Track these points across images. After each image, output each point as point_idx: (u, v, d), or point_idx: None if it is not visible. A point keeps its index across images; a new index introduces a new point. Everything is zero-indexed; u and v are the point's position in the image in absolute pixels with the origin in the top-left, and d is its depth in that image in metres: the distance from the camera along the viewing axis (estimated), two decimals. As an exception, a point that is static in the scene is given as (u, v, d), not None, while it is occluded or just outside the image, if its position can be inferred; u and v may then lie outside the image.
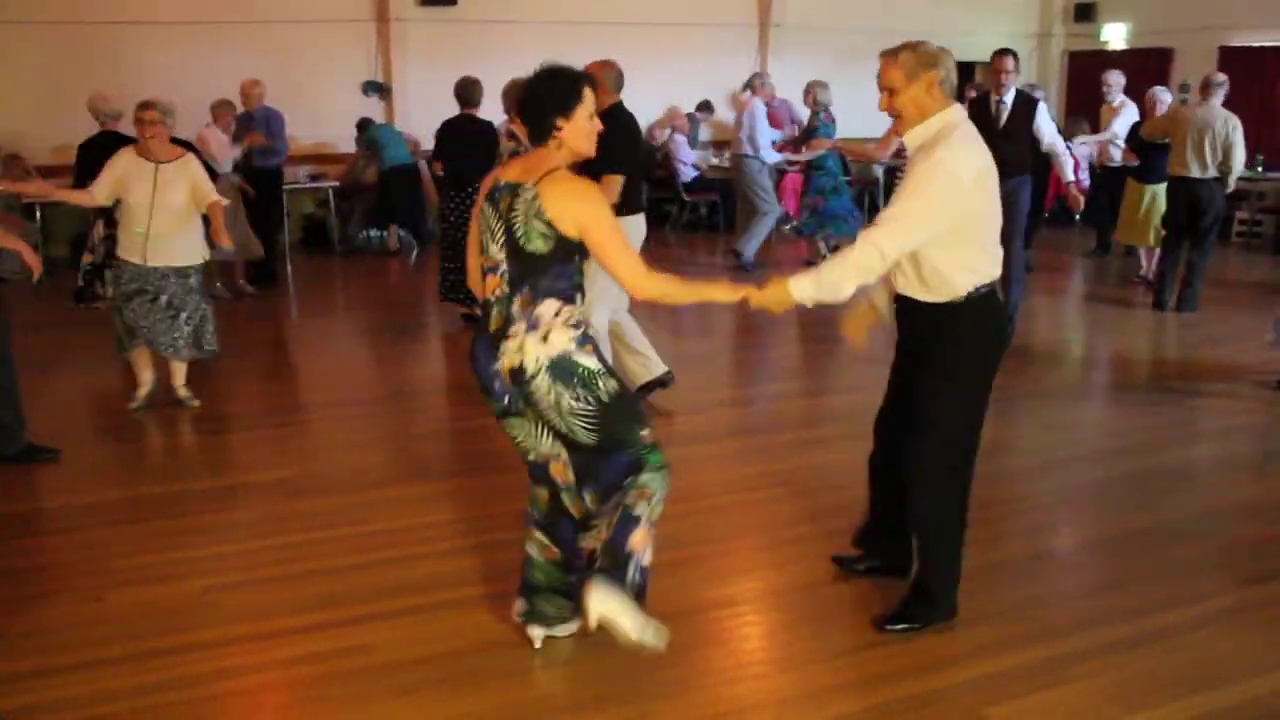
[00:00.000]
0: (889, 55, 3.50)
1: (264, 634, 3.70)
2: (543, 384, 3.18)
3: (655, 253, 10.68)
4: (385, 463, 5.44)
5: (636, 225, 5.82)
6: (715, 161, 13.14)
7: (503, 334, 3.23)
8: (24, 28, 10.61)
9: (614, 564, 3.25)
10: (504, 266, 3.24)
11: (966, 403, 3.62)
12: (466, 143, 7.94)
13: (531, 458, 3.42)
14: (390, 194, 11.17)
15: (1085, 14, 15.20)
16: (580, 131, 3.24)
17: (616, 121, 5.37)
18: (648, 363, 6.09)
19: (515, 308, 3.21)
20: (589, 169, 5.13)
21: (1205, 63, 13.49)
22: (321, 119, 11.71)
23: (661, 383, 6.13)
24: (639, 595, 3.29)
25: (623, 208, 5.52)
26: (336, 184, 11.77)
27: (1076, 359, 7.71)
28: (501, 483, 5.15)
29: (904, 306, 3.63)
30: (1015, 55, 7.38)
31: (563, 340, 3.18)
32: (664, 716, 3.23)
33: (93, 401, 6.68)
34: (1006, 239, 7.22)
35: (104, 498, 4.98)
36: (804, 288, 3.41)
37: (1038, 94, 8.34)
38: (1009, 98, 7.22)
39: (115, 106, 7.42)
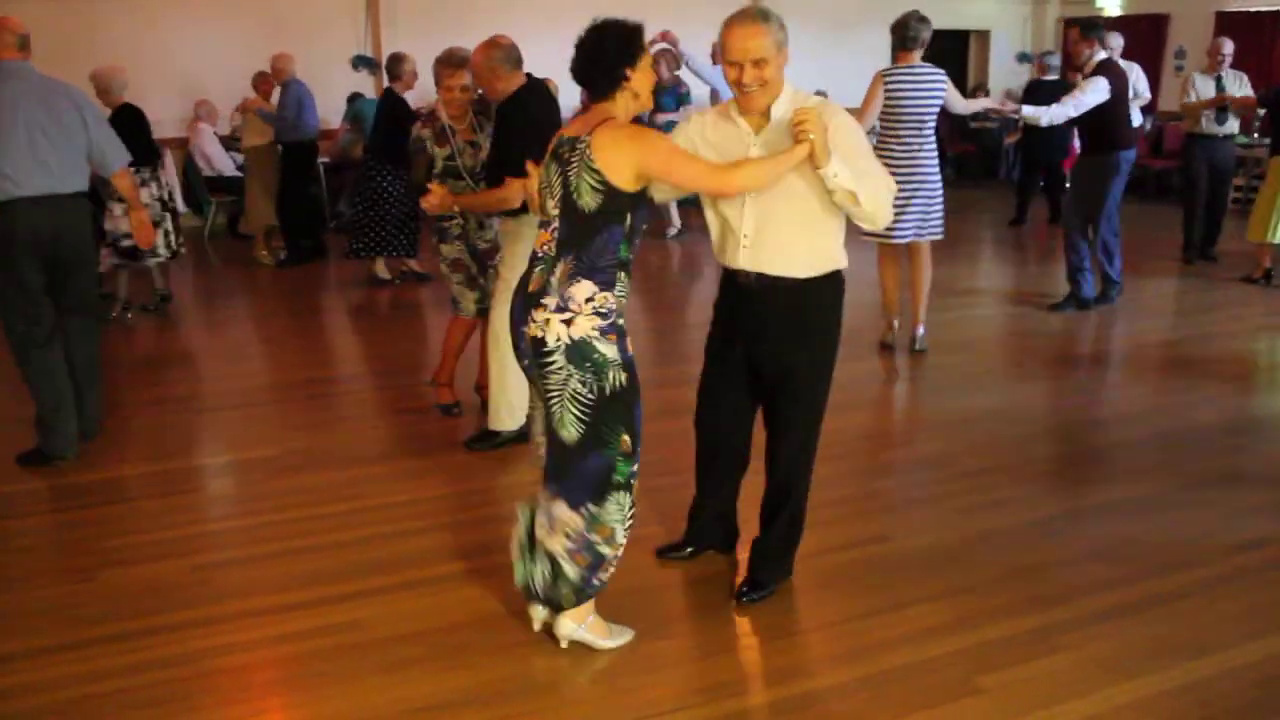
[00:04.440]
0: (755, 23, 3.31)
1: (254, 611, 3.68)
2: (558, 361, 3.17)
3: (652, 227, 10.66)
4: (374, 439, 5.42)
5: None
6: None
7: (537, 300, 3.21)
8: (14, 4, 10.51)
9: (579, 601, 3.36)
10: (556, 223, 3.23)
11: (831, 370, 3.63)
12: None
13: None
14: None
15: (1081, -21, 15.12)
16: (647, 79, 3.25)
17: (523, 107, 4.74)
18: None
19: (555, 276, 3.19)
20: (493, 172, 4.84)
21: (1202, 28, 13.43)
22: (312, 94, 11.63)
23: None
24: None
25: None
26: (327, 160, 11.69)
27: (1071, 331, 7.70)
28: (491, 458, 5.13)
29: (763, 286, 3.49)
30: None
31: (587, 326, 3.16)
32: (656, 689, 3.22)
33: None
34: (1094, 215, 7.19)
35: (90, 478, 4.96)
36: (842, 173, 3.28)
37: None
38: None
39: (124, 80, 7.69)
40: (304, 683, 3.29)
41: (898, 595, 3.71)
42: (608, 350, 3.18)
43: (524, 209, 4.74)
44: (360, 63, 12.07)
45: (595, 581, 3.35)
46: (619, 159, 3.13)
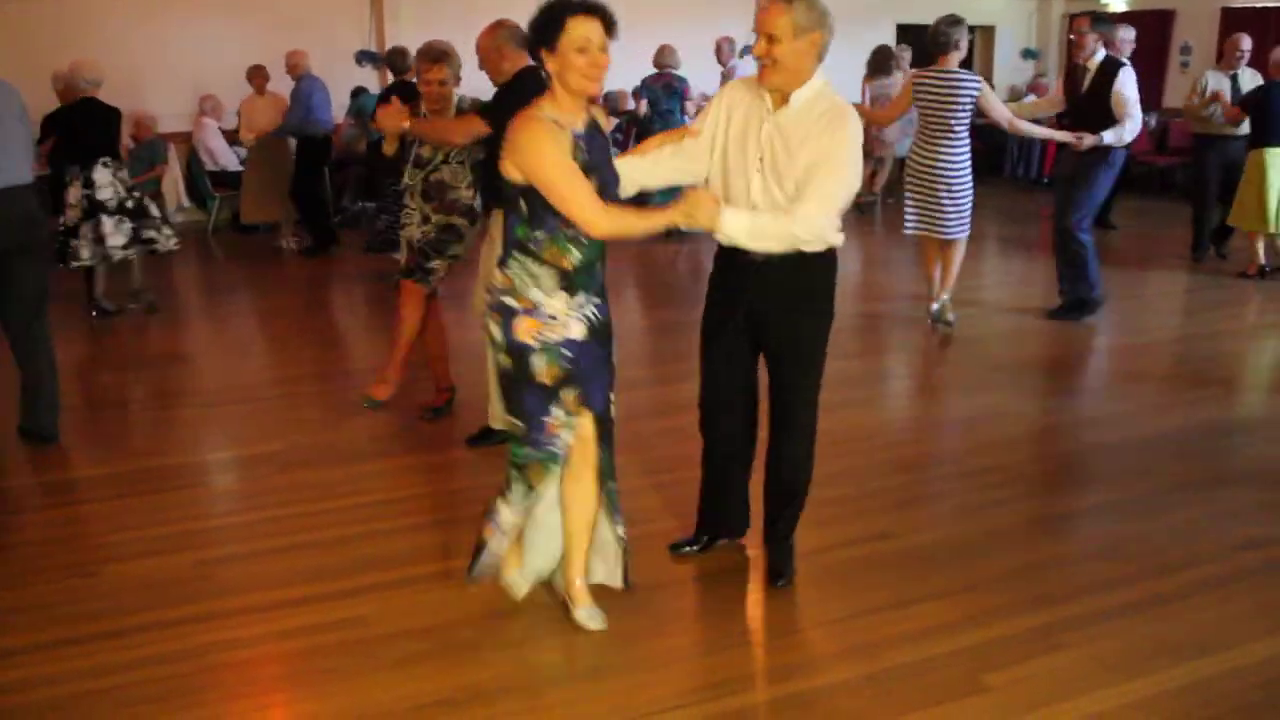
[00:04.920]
0: (781, 0, 3.37)
1: (257, 607, 3.68)
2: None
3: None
4: (378, 435, 5.41)
5: None
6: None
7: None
8: (5, 3, 10.52)
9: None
10: None
11: (827, 340, 3.67)
12: None
13: None
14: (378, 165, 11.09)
15: (1086, -24, 15.07)
16: (571, 68, 3.15)
17: (524, 84, 4.54)
18: None
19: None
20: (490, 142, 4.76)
21: (1207, 24, 13.40)
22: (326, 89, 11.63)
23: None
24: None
25: None
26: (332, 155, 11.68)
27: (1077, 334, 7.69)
28: (496, 453, 5.12)
29: (764, 260, 3.50)
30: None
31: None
32: (661, 686, 3.22)
33: (69, 373, 6.64)
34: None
35: (93, 472, 4.97)
36: (735, 227, 3.36)
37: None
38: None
39: (99, 75, 7.65)
40: (307, 679, 3.29)
41: (901, 593, 3.71)
42: (494, 330, 3.29)
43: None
44: (364, 58, 12.05)
45: (486, 552, 3.52)
46: (512, 154, 3.17)
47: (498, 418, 5.08)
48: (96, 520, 4.44)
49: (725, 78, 10.77)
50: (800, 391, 3.66)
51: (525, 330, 3.22)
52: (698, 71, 11.05)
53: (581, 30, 3.13)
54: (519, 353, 3.24)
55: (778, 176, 3.43)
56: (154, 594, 3.78)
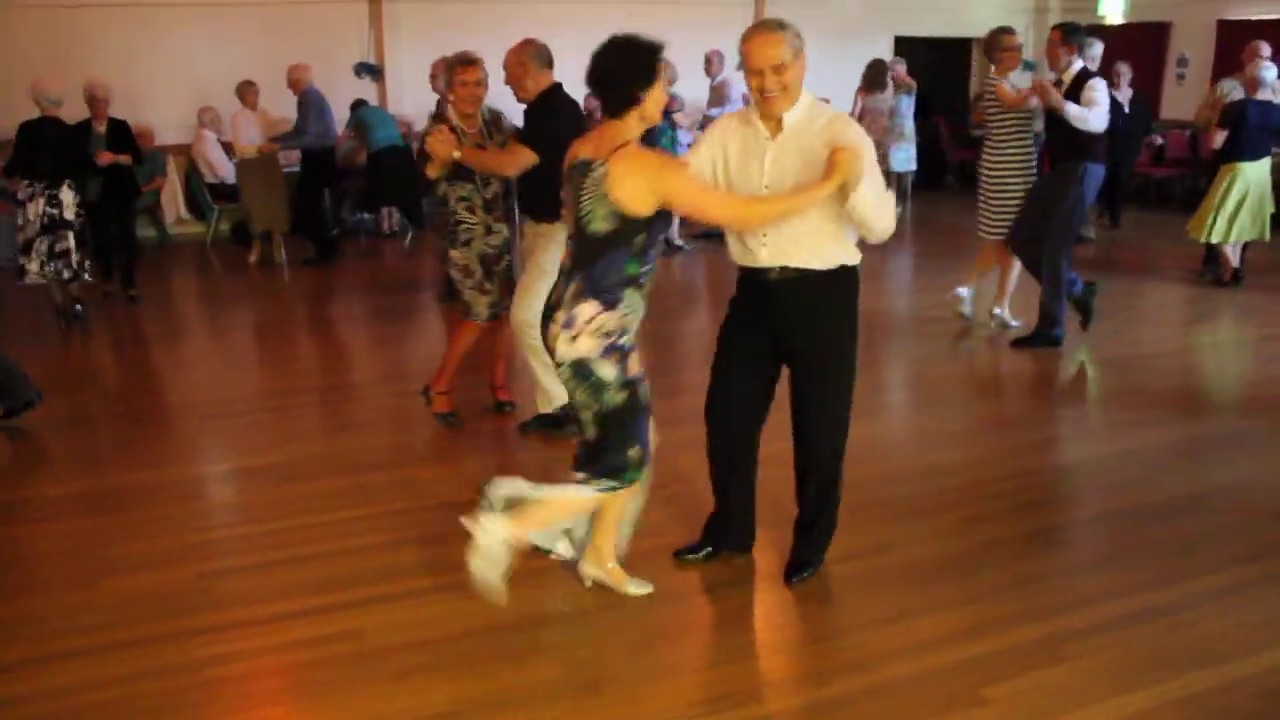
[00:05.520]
0: (772, 32, 3.40)
1: (257, 619, 3.68)
2: (565, 374, 3.40)
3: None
4: (377, 447, 5.42)
5: None
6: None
7: (551, 312, 3.41)
8: (13, 12, 10.54)
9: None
10: (571, 243, 3.38)
11: (856, 345, 3.75)
12: None
13: None
14: (380, 176, 11.07)
15: (1082, -12, 15.13)
16: (658, 100, 3.29)
17: (552, 105, 5.04)
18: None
19: (569, 292, 3.35)
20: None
21: (1203, 36, 13.45)
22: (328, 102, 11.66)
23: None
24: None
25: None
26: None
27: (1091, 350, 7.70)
28: (496, 465, 5.13)
29: (786, 279, 3.58)
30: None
31: (588, 346, 3.32)
32: (660, 700, 3.22)
33: (66, 387, 6.65)
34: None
35: (92, 485, 4.96)
36: (864, 189, 3.36)
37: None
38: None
39: (57, 93, 7.78)
40: (307, 691, 3.29)
41: (901, 605, 3.71)
42: (606, 372, 3.33)
43: (549, 215, 5.01)
44: (363, 70, 12.07)
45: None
46: (640, 189, 3.21)
47: (545, 403, 5.40)
48: (96, 533, 4.43)
49: (713, 90, 10.86)
50: (826, 404, 3.71)
51: (636, 364, 3.43)
52: (687, 86, 11.09)
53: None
54: (633, 386, 3.42)
55: None
56: (154, 607, 3.78)
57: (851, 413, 3.78)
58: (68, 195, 7.74)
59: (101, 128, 8.30)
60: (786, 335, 3.67)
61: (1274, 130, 8.36)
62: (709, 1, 13.12)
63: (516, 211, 5.63)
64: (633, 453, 3.45)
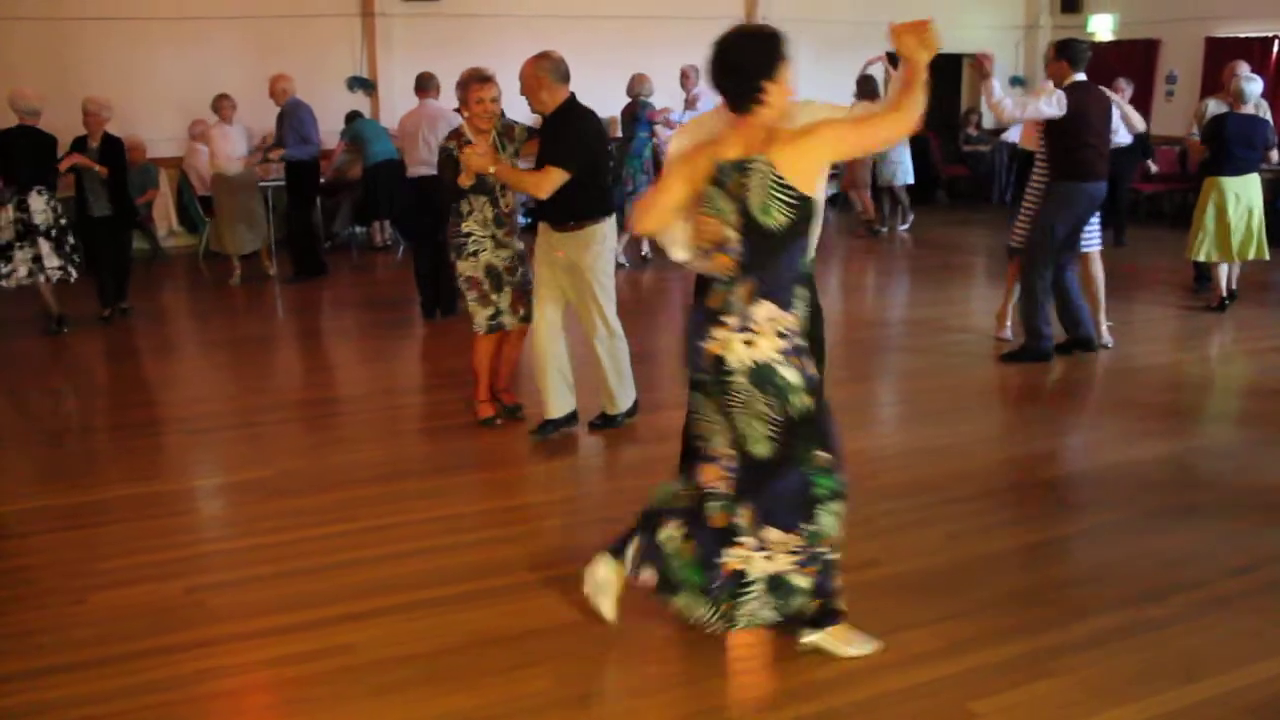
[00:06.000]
0: None
1: (247, 634, 3.68)
2: (740, 382, 3.17)
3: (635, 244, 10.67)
4: (366, 461, 5.42)
5: (606, 233, 5.36)
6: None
7: (717, 317, 3.20)
8: (9, 24, 10.55)
9: (829, 607, 3.46)
10: (737, 246, 3.18)
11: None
12: None
13: (700, 443, 3.42)
14: (376, 189, 11.10)
15: (1072, 5, 15.23)
16: (783, 91, 3.17)
17: (569, 117, 5.21)
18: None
19: (737, 297, 3.17)
20: (539, 164, 5.26)
21: (1192, 53, 13.54)
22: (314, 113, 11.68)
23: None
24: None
25: (585, 215, 5.25)
26: (323, 179, 11.71)
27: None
28: (483, 481, 5.14)
29: None
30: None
31: (769, 348, 3.15)
32: (648, 714, 3.23)
33: (47, 398, 6.65)
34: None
35: (82, 499, 4.96)
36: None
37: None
38: None
39: (33, 105, 8.04)
40: (298, 707, 3.29)
41: (889, 620, 3.71)
42: (791, 375, 3.17)
43: (573, 223, 5.20)
44: (355, 84, 12.11)
45: (829, 585, 3.42)
46: (810, 167, 3.14)
47: (550, 410, 5.49)
48: (86, 547, 4.43)
49: (689, 104, 10.90)
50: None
51: (812, 365, 3.28)
52: (672, 100, 11.14)
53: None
54: (816, 387, 3.27)
55: None
56: (144, 621, 3.78)
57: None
58: (37, 201, 7.95)
59: (95, 143, 8.34)
60: None
61: (1261, 146, 8.26)
62: (698, 17, 13.14)
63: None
64: (823, 454, 3.28)
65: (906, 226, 12.97)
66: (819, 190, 3.24)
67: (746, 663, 3.48)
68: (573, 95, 5.24)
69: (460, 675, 3.41)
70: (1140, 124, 7.55)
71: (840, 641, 3.48)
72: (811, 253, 3.32)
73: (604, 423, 5.71)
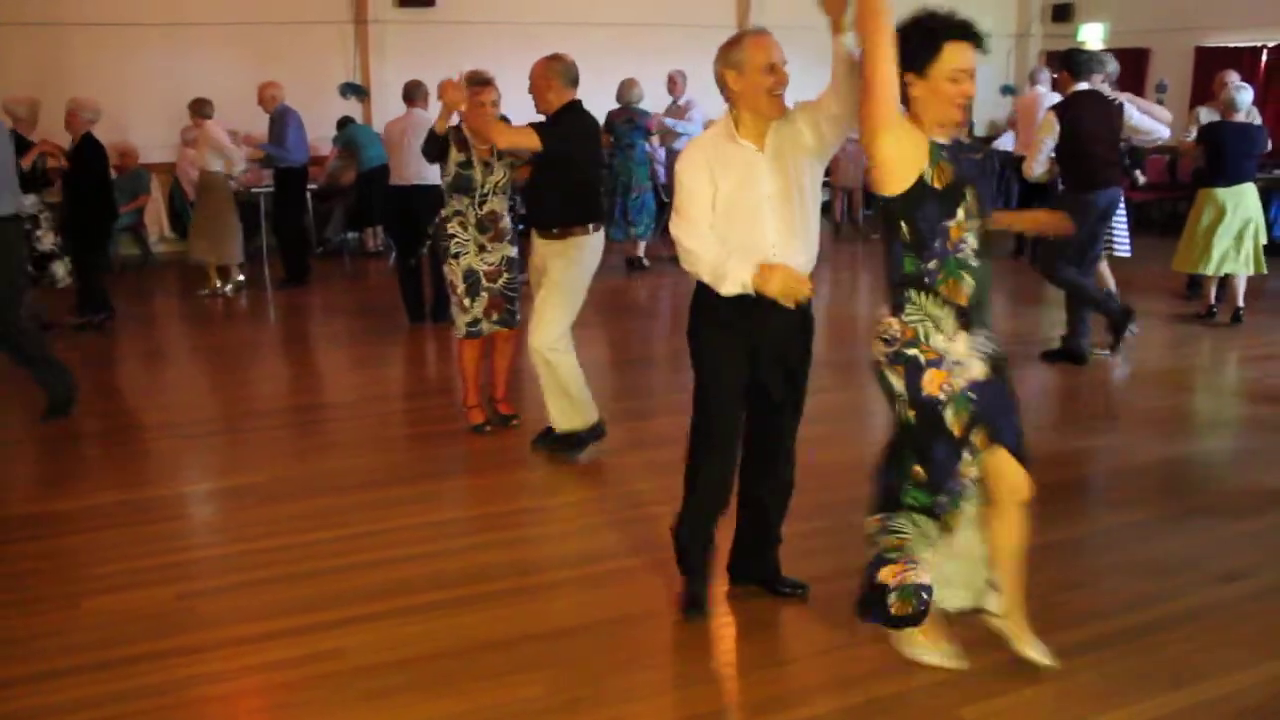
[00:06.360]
0: (769, 33, 3.48)
1: (239, 639, 3.68)
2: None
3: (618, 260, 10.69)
4: (357, 467, 5.42)
5: (589, 245, 5.24)
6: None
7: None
8: (3, 30, 10.55)
9: (862, 598, 3.49)
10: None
11: None
12: None
13: None
14: (371, 195, 11.09)
15: (1063, 14, 15.30)
16: (938, 94, 3.10)
17: (566, 121, 5.16)
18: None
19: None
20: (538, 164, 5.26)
21: (1181, 63, 13.60)
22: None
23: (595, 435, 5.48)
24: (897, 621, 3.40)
25: (569, 221, 5.17)
26: (314, 186, 11.71)
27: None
28: (477, 486, 5.15)
29: (765, 305, 3.35)
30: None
31: (876, 349, 3.20)
32: (640, 719, 3.23)
33: (36, 404, 6.62)
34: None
35: (75, 505, 4.95)
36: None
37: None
38: None
39: (20, 110, 8.18)
40: (289, 712, 3.29)
41: (881, 626, 3.72)
42: (895, 382, 3.16)
43: (556, 230, 5.13)
44: (349, 90, 12.11)
45: (876, 579, 3.38)
46: (876, 150, 3.07)
47: (554, 421, 5.33)
48: (78, 553, 4.43)
49: (676, 109, 10.94)
50: (794, 427, 3.74)
51: (934, 384, 3.10)
52: (652, 106, 11.19)
53: (958, 58, 3.01)
54: (929, 407, 3.11)
55: (788, 200, 3.44)
56: (136, 627, 3.78)
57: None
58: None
59: (74, 141, 8.25)
60: (775, 364, 3.58)
61: (1258, 153, 8.22)
62: (691, 24, 13.19)
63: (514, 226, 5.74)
64: (918, 468, 3.21)
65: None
66: (897, 188, 3.07)
67: (737, 668, 3.49)
68: (578, 101, 5.22)
69: (452, 680, 3.41)
70: (1164, 114, 7.42)
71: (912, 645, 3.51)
72: (930, 260, 3.09)
73: (545, 440, 5.46)
